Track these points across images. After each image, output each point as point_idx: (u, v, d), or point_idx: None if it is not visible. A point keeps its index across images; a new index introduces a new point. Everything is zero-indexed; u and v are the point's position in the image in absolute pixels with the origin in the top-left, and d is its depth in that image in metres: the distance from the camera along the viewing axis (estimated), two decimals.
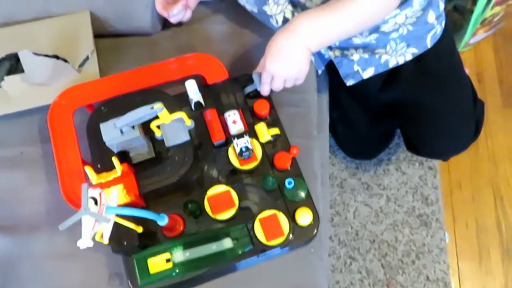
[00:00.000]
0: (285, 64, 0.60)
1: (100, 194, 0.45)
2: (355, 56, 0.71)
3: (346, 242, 0.92)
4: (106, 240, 0.46)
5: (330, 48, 0.72)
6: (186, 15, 0.74)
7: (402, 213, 0.93)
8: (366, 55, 0.70)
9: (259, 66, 0.63)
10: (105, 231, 0.46)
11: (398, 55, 0.71)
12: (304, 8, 0.66)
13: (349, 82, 0.73)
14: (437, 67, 0.76)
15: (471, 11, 0.94)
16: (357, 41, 0.69)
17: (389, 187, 0.95)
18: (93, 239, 0.46)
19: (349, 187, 0.95)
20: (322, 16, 0.59)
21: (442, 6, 0.71)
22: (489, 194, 0.96)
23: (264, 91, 0.64)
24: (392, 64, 0.71)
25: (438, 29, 0.72)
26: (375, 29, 0.67)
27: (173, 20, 0.72)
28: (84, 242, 0.44)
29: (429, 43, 0.71)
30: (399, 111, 0.83)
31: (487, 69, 1.06)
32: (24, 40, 0.68)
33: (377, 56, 0.70)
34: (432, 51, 0.72)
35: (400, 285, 0.88)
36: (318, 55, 0.75)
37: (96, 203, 0.45)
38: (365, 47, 0.69)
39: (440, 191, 0.96)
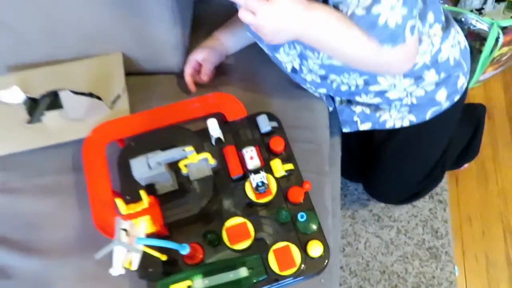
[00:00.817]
0: (270, 30, 0.57)
1: (130, 226, 0.50)
2: (358, 108, 0.76)
3: (357, 272, 0.95)
4: (135, 267, 0.51)
5: (337, 95, 0.77)
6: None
7: (412, 245, 0.96)
8: (367, 111, 0.75)
9: None
10: (134, 260, 0.51)
11: (397, 118, 0.76)
12: (308, 62, 0.71)
13: (345, 129, 0.78)
14: (420, 138, 0.82)
15: (480, 51, 0.98)
16: (361, 100, 0.74)
17: (400, 219, 0.98)
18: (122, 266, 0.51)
19: (360, 218, 0.99)
20: (338, 23, 0.58)
21: (461, 82, 0.75)
22: (498, 229, 0.99)
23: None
24: (389, 125, 0.77)
25: (444, 105, 0.75)
26: (381, 94, 0.72)
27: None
28: (117, 270, 0.49)
29: (428, 116, 0.75)
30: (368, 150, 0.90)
31: (497, 106, 1.09)
32: (63, 78, 0.76)
33: (377, 114, 0.75)
34: (426, 122, 0.76)
35: None
36: (328, 97, 0.80)
37: (127, 233, 0.50)
38: (369, 105, 0.75)
39: (450, 225, 0.98)
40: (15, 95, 0.73)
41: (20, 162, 0.77)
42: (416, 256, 0.95)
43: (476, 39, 0.97)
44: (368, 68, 0.66)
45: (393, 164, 0.87)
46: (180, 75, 0.83)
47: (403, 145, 0.83)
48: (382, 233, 0.97)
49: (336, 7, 0.57)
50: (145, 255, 0.57)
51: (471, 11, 0.96)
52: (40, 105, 0.75)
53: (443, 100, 0.74)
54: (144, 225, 0.53)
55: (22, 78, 0.76)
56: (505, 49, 0.98)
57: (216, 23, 0.84)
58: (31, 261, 0.71)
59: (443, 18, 0.71)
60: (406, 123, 0.76)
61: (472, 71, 1.04)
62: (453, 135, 0.86)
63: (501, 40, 0.91)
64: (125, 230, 0.50)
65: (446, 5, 0.94)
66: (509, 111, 1.10)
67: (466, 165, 1.06)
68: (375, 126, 0.77)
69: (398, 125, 0.76)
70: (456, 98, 0.75)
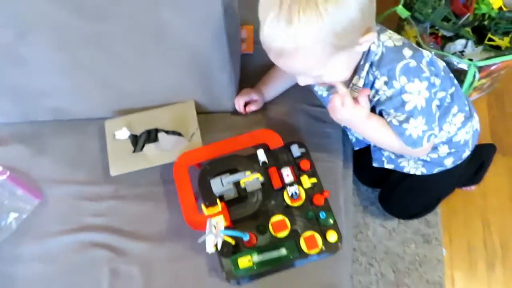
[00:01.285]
0: (344, 121, 0.89)
1: (216, 224, 0.83)
2: (386, 153, 1.06)
3: (366, 253, 1.25)
4: (219, 248, 0.83)
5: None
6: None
7: (410, 233, 1.25)
8: (393, 156, 1.05)
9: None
10: (218, 243, 0.83)
11: (412, 167, 1.06)
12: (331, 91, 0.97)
13: (375, 164, 1.08)
14: (427, 183, 1.11)
15: (463, 81, 1.24)
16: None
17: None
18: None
19: (369, 212, 1.28)
20: (382, 127, 0.88)
21: (465, 154, 1.04)
22: (478, 221, 1.26)
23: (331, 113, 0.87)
24: (406, 170, 1.07)
25: (449, 166, 1.05)
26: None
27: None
28: (209, 250, 0.81)
29: (434, 171, 1.06)
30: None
31: (481, 123, 1.35)
32: (154, 120, 1.07)
33: (399, 161, 1.05)
34: (434, 174, 1.06)
35: (407, 285, 1.20)
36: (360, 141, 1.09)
37: (215, 227, 0.82)
38: (394, 153, 1.05)
39: (440, 217, 1.26)
40: (124, 133, 1.07)
41: (127, 177, 1.07)
42: (412, 240, 1.24)
43: (461, 73, 1.23)
44: (393, 150, 1.00)
45: (402, 197, 1.18)
46: (232, 113, 1.14)
47: (413, 186, 1.13)
48: (386, 224, 1.27)
49: (380, 113, 0.88)
50: (223, 242, 0.89)
51: (454, 53, 1.22)
52: (139, 140, 1.08)
53: (449, 164, 1.04)
54: (223, 223, 0.85)
55: (127, 120, 1.09)
56: (483, 80, 1.24)
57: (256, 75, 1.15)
58: (138, 245, 1.02)
59: (466, 108, 0.99)
60: (418, 173, 1.07)
61: None
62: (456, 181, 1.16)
63: (477, 77, 1.16)
64: (214, 226, 0.82)
65: (434, 49, 1.20)
66: (491, 125, 1.36)
67: (467, 188, 1.31)
68: (396, 168, 1.08)
69: (412, 172, 1.07)
70: (459, 163, 1.05)
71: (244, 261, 0.90)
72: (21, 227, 1.08)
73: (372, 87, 0.85)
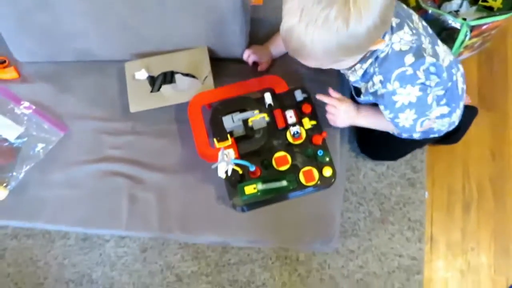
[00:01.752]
0: (342, 118, 1.06)
1: (227, 153, 0.95)
2: None
3: (357, 193, 1.38)
4: (229, 174, 0.96)
5: None
6: None
7: (397, 177, 1.39)
8: None
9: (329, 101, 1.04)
10: (229, 170, 0.96)
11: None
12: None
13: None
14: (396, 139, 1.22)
15: (455, 39, 1.33)
16: None
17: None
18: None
19: (361, 157, 1.41)
20: (372, 119, 1.06)
21: (434, 136, 1.17)
22: (459, 168, 1.40)
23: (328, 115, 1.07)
24: None
25: (416, 138, 1.18)
26: None
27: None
28: (221, 175, 0.94)
29: (404, 136, 1.18)
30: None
31: (470, 80, 1.46)
32: (171, 63, 1.17)
33: None
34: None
35: (391, 222, 1.35)
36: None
37: (226, 157, 0.94)
38: None
39: (425, 164, 1.39)
40: (142, 74, 1.17)
41: (144, 115, 1.17)
42: (398, 184, 1.38)
43: (454, 32, 1.32)
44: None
45: (376, 145, 1.32)
46: (242, 60, 1.23)
47: (388, 138, 1.23)
48: (376, 168, 1.40)
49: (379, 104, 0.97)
50: (232, 170, 1.01)
51: (450, 12, 1.31)
52: (156, 81, 1.18)
53: (416, 137, 1.17)
54: (233, 153, 0.98)
55: (145, 62, 1.18)
56: (474, 39, 1.33)
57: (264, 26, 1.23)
58: (154, 175, 1.14)
59: (453, 105, 1.07)
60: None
61: None
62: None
63: (468, 36, 1.26)
64: (226, 155, 0.94)
65: (431, 8, 1.28)
66: (479, 83, 1.47)
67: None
68: None
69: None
70: (424, 137, 1.18)
71: (250, 188, 1.03)
72: (48, 156, 1.20)
73: (370, 78, 0.93)
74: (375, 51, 0.87)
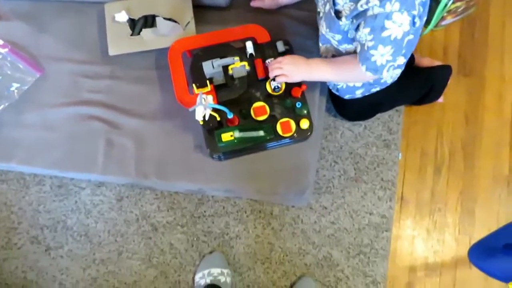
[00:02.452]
0: (293, 71, 1.03)
1: (206, 98, 0.95)
2: None
3: (333, 152, 1.41)
4: (207, 118, 0.96)
5: None
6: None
7: (373, 137, 1.41)
8: None
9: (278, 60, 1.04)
10: (206, 114, 0.96)
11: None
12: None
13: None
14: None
15: (439, 2, 1.33)
16: None
17: (367, 120, 1.42)
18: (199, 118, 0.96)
19: (340, 117, 1.43)
20: (328, 67, 1.03)
21: (376, 89, 1.18)
22: (434, 131, 1.43)
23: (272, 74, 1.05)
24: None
25: (359, 95, 1.21)
26: None
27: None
28: (198, 118, 0.94)
29: (346, 97, 1.23)
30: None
31: (451, 45, 1.48)
32: (152, 7, 1.15)
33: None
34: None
35: (364, 181, 1.38)
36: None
37: (204, 101, 0.94)
38: None
39: (401, 126, 1.42)
40: (123, 16, 1.14)
41: (123, 59, 1.17)
42: (374, 144, 1.41)
43: None
44: (352, 81, 1.12)
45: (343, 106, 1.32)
46: (225, 9, 1.22)
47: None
48: (354, 128, 1.42)
49: (353, 40, 0.95)
50: (209, 116, 1.02)
51: None
52: (137, 24, 1.15)
53: (359, 94, 1.20)
54: (211, 98, 0.97)
55: (126, 4, 1.15)
56: (458, 3, 1.33)
57: None
58: (131, 121, 1.14)
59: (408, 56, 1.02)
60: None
61: (428, 21, 1.39)
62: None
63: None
64: (204, 99, 0.94)
65: None
66: (460, 48, 1.48)
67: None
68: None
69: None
70: (367, 94, 1.20)
71: (227, 136, 1.04)
72: (23, 97, 1.18)
73: None
74: None
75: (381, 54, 0.91)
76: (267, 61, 1.08)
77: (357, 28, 0.92)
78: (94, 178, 1.34)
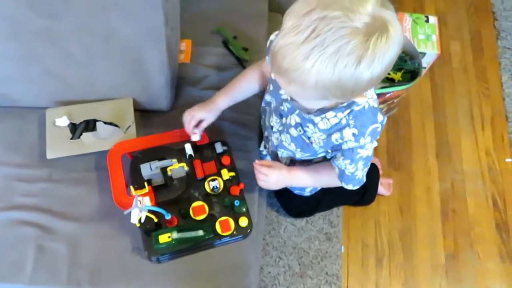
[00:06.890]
0: (275, 183, 1.06)
1: (142, 200, 0.95)
2: None
3: (277, 247, 1.41)
4: (142, 221, 0.95)
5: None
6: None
7: (315, 231, 1.44)
8: None
9: (260, 166, 1.04)
10: (142, 217, 0.96)
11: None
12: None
13: None
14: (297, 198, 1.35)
15: None
16: None
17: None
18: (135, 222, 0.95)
19: (282, 212, 1.46)
20: (309, 178, 1.08)
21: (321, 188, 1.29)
22: (372, 224, 1.48)
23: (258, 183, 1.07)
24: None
25: (307, 194, 1.32)
26: None
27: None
28: (133, 221, 0.93)
29: (296, 192, 1.33)
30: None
31: (380, 142, 1.60)
32: (94, 112, 1.19)
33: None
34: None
35: (309, 276, 1.38)
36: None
37: (140, 203, 0.95)
38: None
39: (341, 219, 1.47)
40: (64, 121, 1.16)
41: (62, 162, 1.16)
42: (316, 238, 1.43)
43: None
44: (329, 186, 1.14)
45: (298, 203, 1.38)
46: (166, 113, 1.28)
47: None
48: (296, 222, 1.45)
49: (336, 157, 0.97)
50: (146, 218, 1.01)
51: None
52: (78, 128, 1.18)
53: (307, 192, 1.31)
54: (148, 200, 0.98)
55: (67, 110, 1.19)
56: (381, 106, 1.49)
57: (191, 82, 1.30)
58: (66, 224, 1.09)
59: None
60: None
61: None
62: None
63: None
64: (139, 201, 0.94)
65: None
66: (387, 145, 1.62)
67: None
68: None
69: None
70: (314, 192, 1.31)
71: (164, 237, 1.02)
72: None
73: (339, 130, 0.90)
74: (352, 103, 0.85)
75: (361, 170, 0.98)
76: (254, 163, 1.07)
77: (334, 155, 1.00)
78: None
